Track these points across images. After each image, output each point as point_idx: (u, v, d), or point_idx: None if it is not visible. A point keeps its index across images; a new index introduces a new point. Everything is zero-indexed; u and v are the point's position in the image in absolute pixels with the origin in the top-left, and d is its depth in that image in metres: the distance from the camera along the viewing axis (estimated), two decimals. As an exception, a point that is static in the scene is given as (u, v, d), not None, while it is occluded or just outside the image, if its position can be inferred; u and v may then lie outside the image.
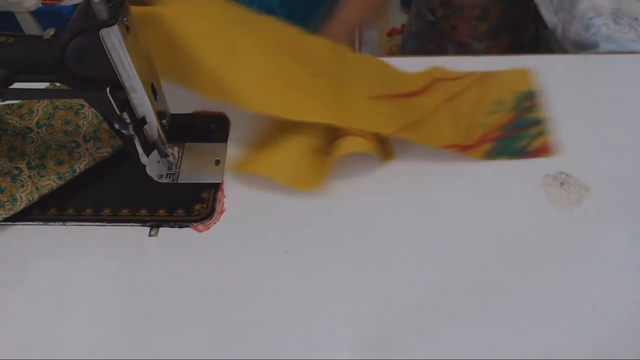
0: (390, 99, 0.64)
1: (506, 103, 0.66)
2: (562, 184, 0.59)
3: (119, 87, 0.48)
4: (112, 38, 0.44)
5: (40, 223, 0.57)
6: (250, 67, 0.58)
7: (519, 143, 0.62)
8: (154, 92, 0.52)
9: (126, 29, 0.45)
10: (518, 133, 0.63)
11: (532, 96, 0.66)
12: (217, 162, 0.62)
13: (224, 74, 0.56)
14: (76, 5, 0.48)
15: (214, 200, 0.58)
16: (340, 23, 0.76)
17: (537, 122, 0.63)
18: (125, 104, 0.50)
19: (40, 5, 1.39)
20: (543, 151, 0.61)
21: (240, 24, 0.62)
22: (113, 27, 0.43)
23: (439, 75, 0.68)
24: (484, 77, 0.69)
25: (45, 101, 0.65)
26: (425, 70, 0.70)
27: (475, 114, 0.65)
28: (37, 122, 0.63)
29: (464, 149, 0.61)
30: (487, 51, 1.03)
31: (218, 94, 0.57)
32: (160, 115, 0.54)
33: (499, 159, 0.61)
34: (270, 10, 0.79)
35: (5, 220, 0.56)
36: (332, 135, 0.60)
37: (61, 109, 0.65)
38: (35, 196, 0.57)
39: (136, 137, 0.54)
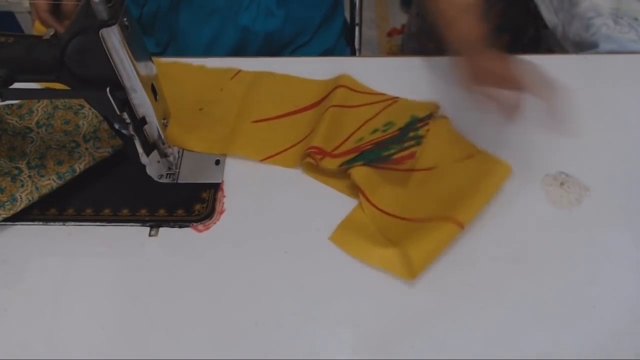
0: (279, 119, 0.66)
1: (396, 124, 0.63)
2: (562, 184, 0.59)
3: (119, 87, 0.48)
4: (112, 38, 0.44)
5: (40, 223, 0.57)
6: None
7: (384, 152, 0.59)
8: (154, 92, 0.52)
9: (126, 29, 0.45)
10: (388, 145, 0.60)
11: (427, 118, 0.63)
12: (217, 162, 0.62)
13: None
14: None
15: (214, 200, 0.58)
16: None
17: (415, 137, 0.60)
18: (125, 104, 0.50)
19: (40, 5, 1.39)
20: (406, 159, 0.58)
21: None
22: (113, 27, 0.43)
23: (342, 83, 0.68)
24: (392, 102, 0.67)
25: (45, 101, 0.65)
26: (334, 78, 0.70)
27: (357, 130, 0.63)
28: (37, 122, 0.63)
29: (321, 154, 0.59)
30: (487, 51, 1.03)
31: None
32: (160, 115, 0.54)
33: (353, 165, 0.57)
34: (268, 12, 0.79)
35: (5, 220, 0.56)
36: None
37: (61, 108, 0.65)
38: (35, 196, 0.57)
39: (136, 137, 0.54)
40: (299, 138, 0.64)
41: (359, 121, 0.65)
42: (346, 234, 0.55)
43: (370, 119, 0.65)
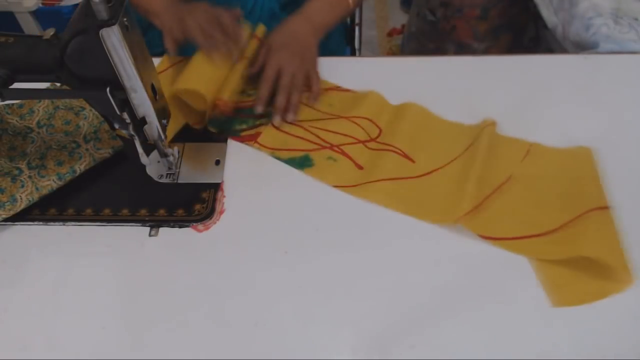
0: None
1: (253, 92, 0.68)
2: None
3: (119, 87, 0.48)
4: (112, 38, 0.44)
5: (40, 223, 0.57)
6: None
7: (237, 126, 0.65)
8: (154, 92, 0.52)
9: (126, 29, 0.45)
10: (245, 119, 0.66)
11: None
12: (217, 162, 0.62)
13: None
14: (76, 5, 0.48)
15: (214, 200, 0.58)
16: (305, 20, 0.71)
17: (267, 115, 0.65)
18: (125, 104, 0.50)
19: (40, 5, 1.39)
20: (249, 139, 0.63)
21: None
22: (113, 27, 0.43)
23: (258, 34, 0.71)
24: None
25: (46, 101, 0.65)
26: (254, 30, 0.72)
27: (239, 83, 0.67)
28: (38, 122, 0.63)
29: (223, 105, 0.64)
30: (487, 51, 1.03)
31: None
32: (160, 115, 0.54)
33: (211, 129, 0.64)
34: (272, 15, 0.79)
35: (5, 220, 0.56)
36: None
37: (62, 109, 0.65)
38: (36, 196, 0.57)
39: (136, 137, 0.54)
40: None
41: (242, 74, 0.68)
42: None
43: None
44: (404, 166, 0.60)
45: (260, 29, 0.72)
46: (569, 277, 0.51)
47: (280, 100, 0.65)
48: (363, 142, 0.63)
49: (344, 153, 0.62)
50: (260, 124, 0.65)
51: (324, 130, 0.64)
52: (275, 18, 0.80)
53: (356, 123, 0.65)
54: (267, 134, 0.64)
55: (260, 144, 0.63)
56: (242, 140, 0.64)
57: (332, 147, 0.62)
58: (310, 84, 0.68)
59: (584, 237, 0.52)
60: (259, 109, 0.65)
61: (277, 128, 0.65)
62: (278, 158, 0.62)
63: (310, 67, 0.68)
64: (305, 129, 0.65)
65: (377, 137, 0.63)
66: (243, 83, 0.68)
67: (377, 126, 0.65)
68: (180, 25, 0.67)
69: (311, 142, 0.63)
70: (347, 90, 0.70)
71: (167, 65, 0.73)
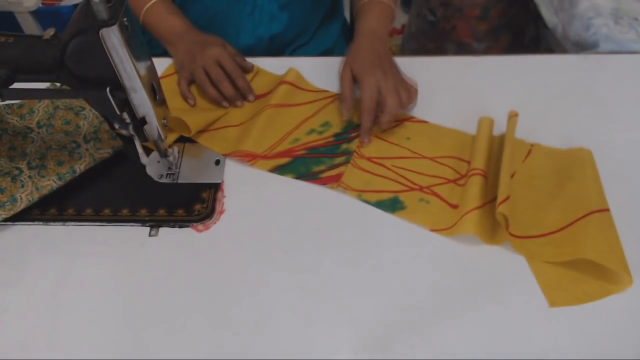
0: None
1: (332, 127, 0.65)
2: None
3: (119, 87, 0.48)
4: (112, 38, 0.44)
5: (40, 223, 0.57)
6: None
7: (315, 167, 0.61)
8: (153, 92, 0.52)
9: (126, 29, 0.45)
10: (320, 158, 0.62)
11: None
12: (217, 162, 0.62)
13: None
14: (76, 5, 0.48)
15: (214, 200, 0.58)
16: (374, 35, 0.68)
17: (345, 152, 0.62)
18: (125, 103, 0.50)
19: (40, 5, 1.39)
20: (331, 181, 0.60)
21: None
22: (113, 27, 0.43)
23: (287, 79, 0.69)
24: (334, 99, 0.69)
25: (46, 101, 0.65)
26: (281, 75, 0.71)
27: (294, 129, 0.65)
28: (38, 122, 0.63)
29: (252, 158, 0.62)
30: (487, 51, 1.04)
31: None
32: (160, 115, 0.54)
33: (284, 176, 0.61)
34: (272, 17, 0.79)
35: (5, 220, 0.56)
36: None
37: (62, 109, 0.65)
38: (36, 196, 0.57)
39: (136, 137, 0.54)
40: (232, 122, 0.66)
41: (297, 120, 0.66)
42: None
43: (309, 117, 0.67)
44: (483, 188, 0.57)
45: (292, 74, 0.70)
46: (566, 277, 0.51)
47: (386, 120, 0.61)
48: (454, 181, 0.59)
49: (435, 194, 0.58)
50: (340, 163, 0.61)
51: (410, 171, 0.61)
52: (275, 19, 0.79)
53: (443, 164, 0.61)
54: (350, 173, 0.60)
55: (345, 185, 0.59)
56: (324, 182, 0.59)
57: (421, 188, 0.59)
58: (409, 96, 0.64)
59: (584, 240, 0.52)
60: (366, 142, 0.63)
61: (359, 167, 0.61)
62: (366, 201, 0.58)
63: (402, 80, 0.65)
64: (388, 169, 0.61)
65: (467, 172, 0.60)
66: (303, 124, 0.66)
67: (465, 161, 0.61)
68: (191, 66, 0.68)
69: (397, 182, 0.59)
70: (423, 122, 0.66)
71: (173, 71, 0.73)
